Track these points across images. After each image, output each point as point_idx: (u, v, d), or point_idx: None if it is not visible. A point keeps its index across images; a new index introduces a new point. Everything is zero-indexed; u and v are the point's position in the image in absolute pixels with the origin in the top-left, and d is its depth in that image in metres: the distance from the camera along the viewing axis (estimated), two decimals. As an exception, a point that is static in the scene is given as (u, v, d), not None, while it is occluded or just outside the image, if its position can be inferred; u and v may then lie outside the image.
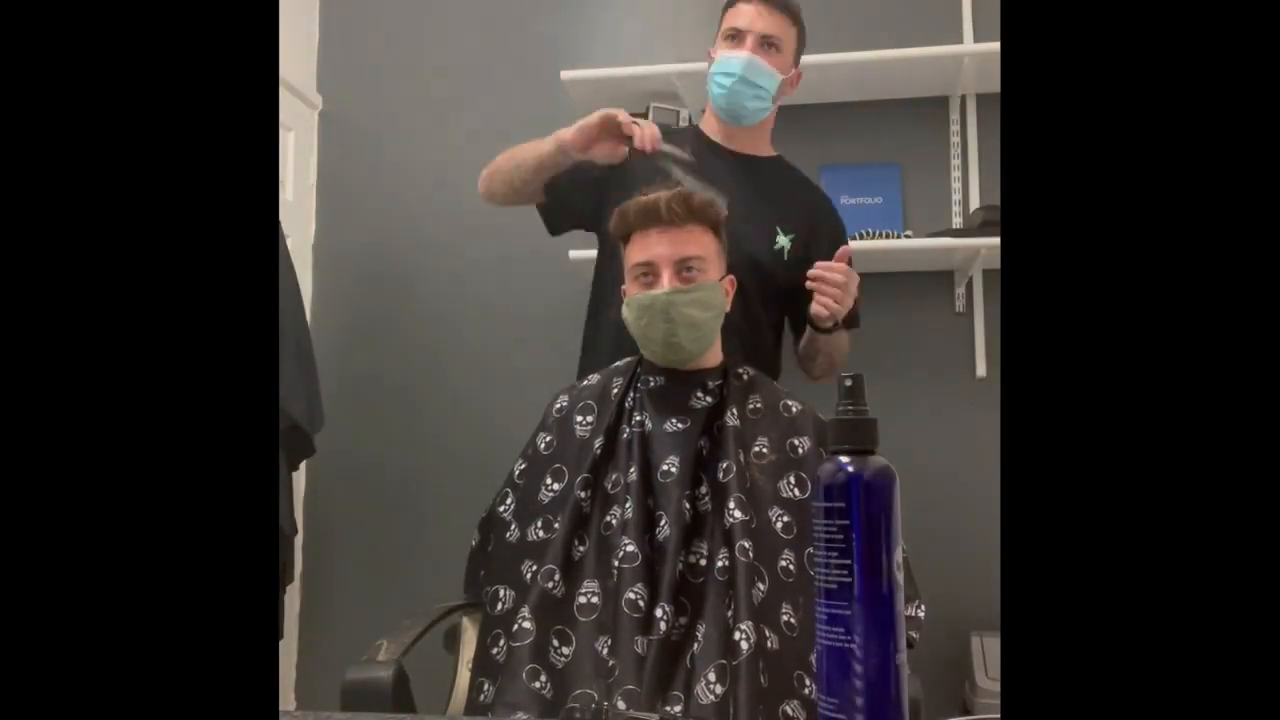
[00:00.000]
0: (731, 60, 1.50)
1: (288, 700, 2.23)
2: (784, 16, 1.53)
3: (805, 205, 1.61)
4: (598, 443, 1.18)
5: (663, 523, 1.09)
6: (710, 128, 1.62)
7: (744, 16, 1.52)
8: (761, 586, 1.04)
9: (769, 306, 1.57)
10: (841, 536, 0.57)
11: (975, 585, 1.92)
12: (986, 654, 1.81)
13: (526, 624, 1.05)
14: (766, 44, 1.51)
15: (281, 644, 2.12)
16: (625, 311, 1.21)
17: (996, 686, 1.71)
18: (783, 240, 1.55)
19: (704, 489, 1.12)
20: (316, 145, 2.41)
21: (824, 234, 1.59)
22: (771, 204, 1.55)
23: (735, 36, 1.52)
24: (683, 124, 2.07)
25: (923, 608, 1.09)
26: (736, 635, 0.98)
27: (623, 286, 1.24)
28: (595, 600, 1.07)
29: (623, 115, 1.38)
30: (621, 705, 0.96)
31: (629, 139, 1.37)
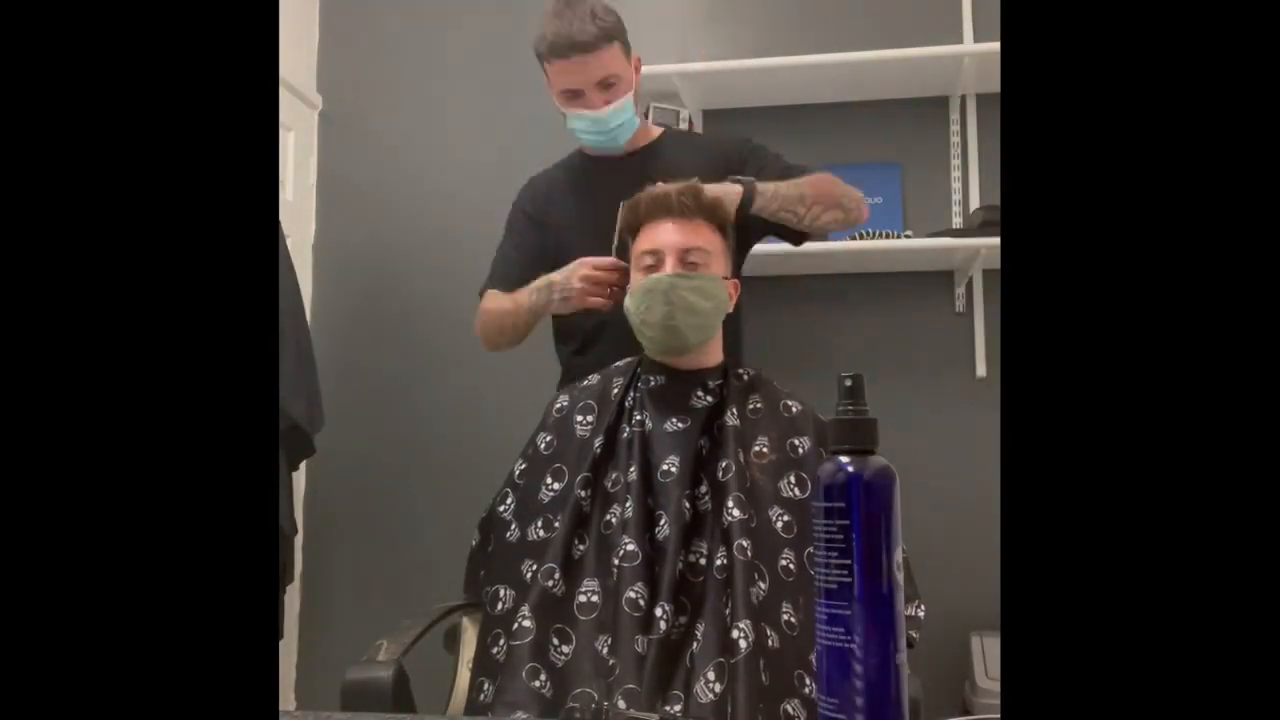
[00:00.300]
0: (584, 120, 1.48)
1: (288, 700, 2.23)
2: (598, 48, 1.42)
3: (713, 150, 1.58)
4: (598, 442, 1.18)
5: (662, 522, 1.09)
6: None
7: (567, 75, 1.45)
8: (762, 585, 1.04)
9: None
10: (841, 536, 0.57)
11: (975, 585, 1.92)
12: (986, 654, 1.82)
13: (526, 623, 1.05)
14: (604, 85, 1.46)
15: (281, 644, 2.12)
16: (628, 302, 1.23)
17: (996, 686, 1.71)
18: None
19: (704, 488, 1.12)
20: (316, 145, 2.41)
21: (739, 160, 1.54)
22: (682, 170, 1.43)
23: (574, 95, 1.47)
24: (682, 124, 2.07)
25: (922, 608, 1.09)
26: (735, 634, 0.98)
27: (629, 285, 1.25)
28: (595, 599, 1.07)
29: (595, 271, 1.35)
30: (621, 704, 0.96)
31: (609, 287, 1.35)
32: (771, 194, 1.40)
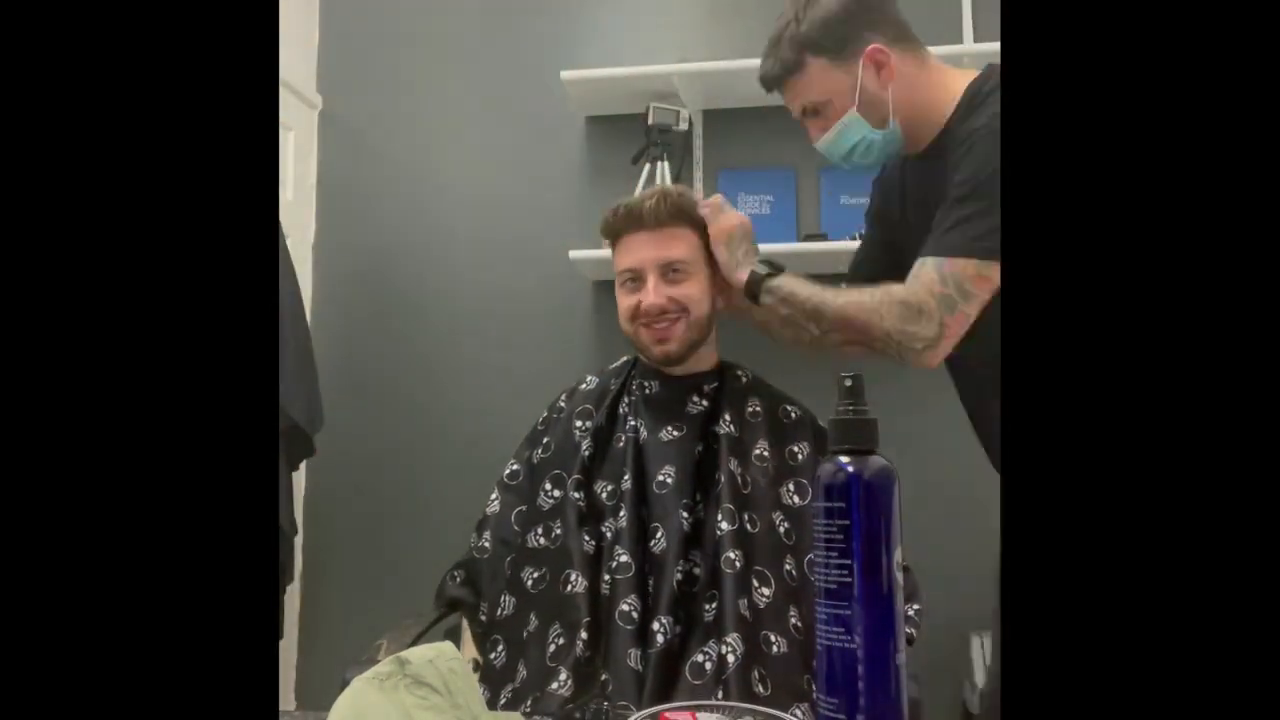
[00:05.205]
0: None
1: (288, 700, 2.23)
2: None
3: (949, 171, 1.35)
4: (586, 446, 1.17)
5: (659, 534, 1.07)
6: None
7: None
8: (765, 591, 1.03)
9: None
10: (841, 536, 0.57)
11: (975, 585, 1.91)
12: (987, 654, 1.81)
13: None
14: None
15: (281, 644, 2.12)
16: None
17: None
18: None
19: (700, 497, 1.11)
20: (316, 145, 2.41)
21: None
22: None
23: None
24: (682, 124, 2.06)
25: (920, 609, 1.08)
26: (724, 649, 0.97)
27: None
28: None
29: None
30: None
31: None
32: (784, 296, 1.17)
